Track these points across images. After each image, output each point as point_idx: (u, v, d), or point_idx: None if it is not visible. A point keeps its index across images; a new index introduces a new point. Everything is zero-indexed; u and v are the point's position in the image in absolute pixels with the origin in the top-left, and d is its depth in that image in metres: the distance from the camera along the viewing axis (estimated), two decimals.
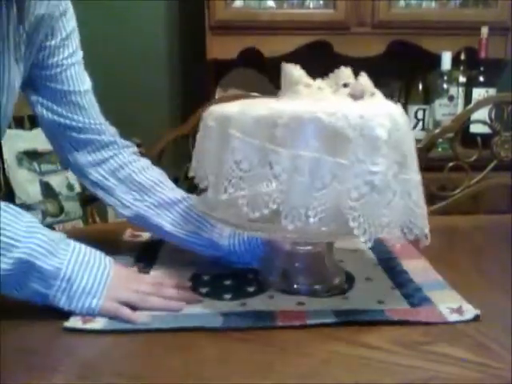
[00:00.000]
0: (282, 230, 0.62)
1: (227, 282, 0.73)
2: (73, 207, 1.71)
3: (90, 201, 1.79)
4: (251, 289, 0.71)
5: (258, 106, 0.62)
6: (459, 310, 0.64)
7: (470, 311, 0.64)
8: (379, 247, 0.59)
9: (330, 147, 0.58)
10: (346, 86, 0.65)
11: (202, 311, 0.65)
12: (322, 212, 0.58)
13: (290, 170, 0.58)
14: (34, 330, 0.61)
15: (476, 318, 0.62)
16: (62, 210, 1.69)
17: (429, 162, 1.20)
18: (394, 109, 0.63)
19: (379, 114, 0.60)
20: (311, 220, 0.58)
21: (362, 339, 0.59)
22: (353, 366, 0.54)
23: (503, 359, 0.55)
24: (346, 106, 0.61)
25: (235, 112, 0.62)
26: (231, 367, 0.55)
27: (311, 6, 1.90)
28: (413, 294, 0.69)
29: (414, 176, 0.63)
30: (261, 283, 0.72)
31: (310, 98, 0.63)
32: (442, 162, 1.22)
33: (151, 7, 2.05)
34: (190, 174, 0.71)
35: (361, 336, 0.59)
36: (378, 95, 0.65)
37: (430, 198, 1.22)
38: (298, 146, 0.58)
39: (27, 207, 1.64)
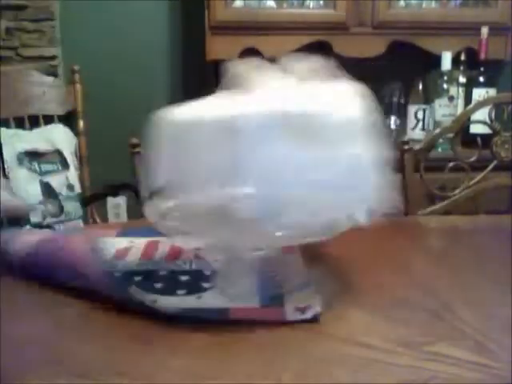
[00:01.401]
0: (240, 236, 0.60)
1: (184, 278, 0.71)
2: (73, 207, 1.71)
3: (90, 201, 1.80)
4: (207, 285, 0.69)
5: (215, 109, 0.60)
6: (303, 309, 0.62)
7: (312, 310, 0.62)
8: None
9: (296, 141, 0.57)
10: (292, 71, 0.63)
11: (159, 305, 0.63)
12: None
13: (255, 174, 0.57)
14: (35, 330, 0.61)
15: (315, 317, 0.61)
16: (61, 210, 1.69)
17: (429, 162, 1.21)
18: (346, 87, 0.62)
19: (329, 96, 0.59)
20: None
21: (361, 339, 0.59)
22: (352, 366, 0.54)
23: (503, 359, 0.55)
24: (301, 92, 0.60)
25: (190, 116, 0.61)
26: (231, 367, 0.55)
27: (311, 6, 1.91)
28: (266, 293, 0.66)
29: (363, 153, 0.61)
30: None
31: (263, 91, 0.61)
32: (442, 162, 1.22)
33: (152, 7, 2.05)
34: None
35: (360, 336, 0.59)
36: (322, 76, 0.63)
37: (430, 198, 1.22)
38: (262, 145, 0.57)
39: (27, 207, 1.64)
